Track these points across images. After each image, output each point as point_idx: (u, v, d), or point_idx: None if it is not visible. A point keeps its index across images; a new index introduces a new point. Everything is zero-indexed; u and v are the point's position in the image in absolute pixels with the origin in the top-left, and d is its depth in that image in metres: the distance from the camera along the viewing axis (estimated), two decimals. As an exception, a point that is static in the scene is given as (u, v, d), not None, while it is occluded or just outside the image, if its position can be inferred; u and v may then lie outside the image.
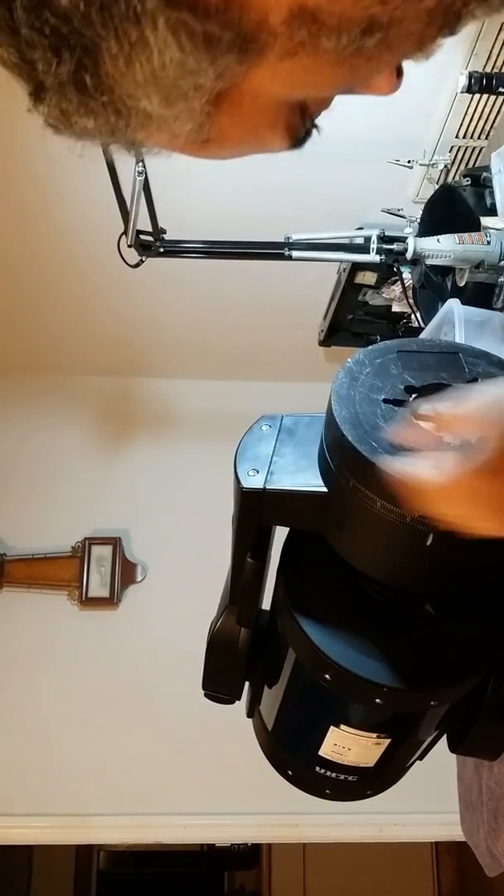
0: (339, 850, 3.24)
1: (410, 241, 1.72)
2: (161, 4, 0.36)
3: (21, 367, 2.80)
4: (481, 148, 2.05)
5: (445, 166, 2.06)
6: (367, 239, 1.84)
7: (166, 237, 1.86)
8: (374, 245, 1.82)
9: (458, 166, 2.09)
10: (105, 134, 0.45)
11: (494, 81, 1.58)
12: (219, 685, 0.76)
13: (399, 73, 0.46)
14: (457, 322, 1.43)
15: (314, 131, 0.49)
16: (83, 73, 0.39)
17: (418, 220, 1.93)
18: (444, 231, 1.69)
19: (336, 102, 0.47)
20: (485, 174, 1.78)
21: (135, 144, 0.47)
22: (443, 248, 1.67)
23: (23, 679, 2.44)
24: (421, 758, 0.80)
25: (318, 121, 0.48)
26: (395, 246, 1.78)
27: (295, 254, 1.84)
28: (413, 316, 2.11)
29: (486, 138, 2.03)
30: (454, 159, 2.07)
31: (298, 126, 0.48)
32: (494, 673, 0.68)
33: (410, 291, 2.02)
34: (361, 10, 0.39)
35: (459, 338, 1.41)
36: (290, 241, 1.84)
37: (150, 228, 1.84)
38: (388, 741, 0.69)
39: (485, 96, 1.89)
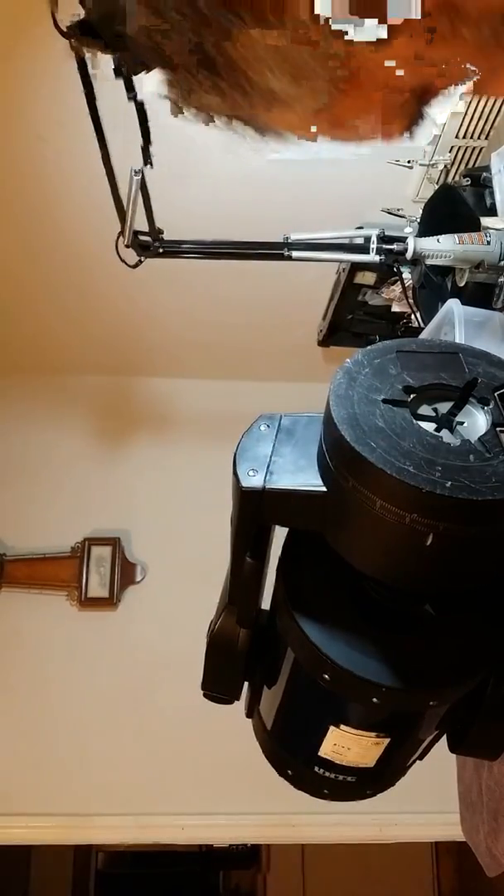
0: (339, 850, 3.24)
1: (410, 241, 1.72)
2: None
3: (21, 367, 2.79)
4: (481, 148, 2.04)
5: (445, 166, 2.06)
6: (367, 239, 1.83)
7: (165, 237, 1.86)
8: (373, 245, 1.81)
9: (458, 166, 2.08)
10: (227, 111, 0.44)
11: (494, 81, 1.58)
12: (218, 685, 0.76)
13: None
14: (457, 322, 1.43)
15: (429, 118, 0.47)
16: (213, 51, 0.39)
17: (418, 220, 1.93)
18: (444, 231, 1.69)
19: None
20: (485, 174, 1.77)
21: (262, 127, 0.47)
22: (443, 248, 1.66)
23: (22, 679, 2.43)
24: (421, 758, 0.80)
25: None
26: (394, 246, 1.78)
27: (294, 254, 1.83)
28: (413, 316, 2.11)
29: (486, 138, 2.02)
30: (454, 159, 2.07)
31: (416, 113, 0.46)
32: (494, 673, 0.67)
33: (410, 291, 2.02)
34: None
35: (459, 338, 1.41)
36: (290, 241, 1.84)
37: (148, 228, 1.84)
38: (387, 741, 0.69)
39: (485, 96, 1.89)
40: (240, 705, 0.82)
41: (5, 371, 2.77)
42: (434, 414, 0.58)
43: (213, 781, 2.30)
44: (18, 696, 2.41)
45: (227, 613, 0.70)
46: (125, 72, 1.27)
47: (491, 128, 2.00)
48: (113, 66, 1.28)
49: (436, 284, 1.86)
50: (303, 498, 0.58)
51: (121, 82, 1.36)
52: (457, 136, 2.02)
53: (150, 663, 2.43)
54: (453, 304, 1.47)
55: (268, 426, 0.64)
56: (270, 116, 0.38)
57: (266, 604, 0.74)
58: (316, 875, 3.71)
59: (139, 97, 1.35)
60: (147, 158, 1.56)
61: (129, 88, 1.37)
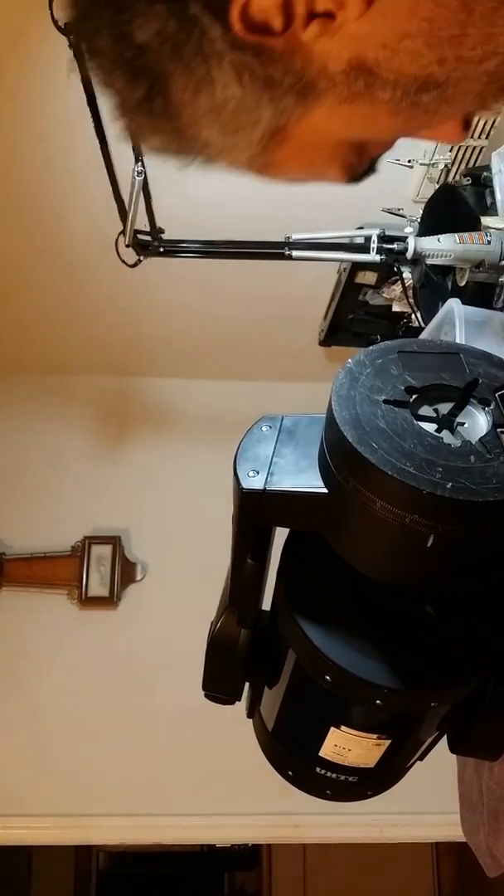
0: (340, 850, 3.24)
1: (411, 241, 1.72)
2: (228, 47, 0.39)
3: (21, 366, 2.80)
4: (482, 147, 2.05)
5: (446, 166, 2.06)
6: (368, 238, 1.84)
7: (165, 237, 1.86)
8: (374, 245, 1.82)
9: (459, 166, 2.09)
10: (171, 152, 0.49)
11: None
12: (219, 686, 0.76)
13: (466, 124, 0.48)
14: (457, 322, 1.43)
15: (372, 170, 0.52)
16: (154, 98, 0.43)
17: (418, 220, 1.93)
18: (444, 231, 1.69)
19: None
20: (485, 174, 1.77)
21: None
22: (443, 247, 1.67)
23: (22, 679, 2.43)
24: (421, 758, 0.80)
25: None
26: (395, 245, 1.78)
27: (295, 253, 1.84)
28: (413, 316, 2.11)
29: (487, 138, 2.02)
30: (454, 159, 2.07)
31: (355, 164, 0.51)
32: (495, 673, 0.67)
33: (411, 291, 2.02)
34: (419, 69, 0.41)
35: (460, 338, 1.41)
36: (291, 240, 1.84)
37: (148, 228, 1.84)
38: (388, 742, 0.69)
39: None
40: (241, 705, 0.82)
41: (5, 371, 2.77)
42: (435, 415, 0.58)
43: (213, 781, 2.31)
44: (19, 695, 2.41)
45: (228, 614, 0.70)
46: None
47: (491, 127, 2.01)
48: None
49: (436, 284, 1.86)
50: (304, 499, 0.58)
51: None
52: (457, 136, 2.02)
53: (150, 663, 2.43)
54: (454, 304, 1.47)
55: (269, 427, 0.63)
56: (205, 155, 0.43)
57: (267, 604, 0.74)
58: (317, 875, 3.72)
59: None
60: (138, 155, 1.56)
61: None
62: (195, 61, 0.40)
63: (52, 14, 1.20)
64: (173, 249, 1.88)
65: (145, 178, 1.64)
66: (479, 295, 1.68)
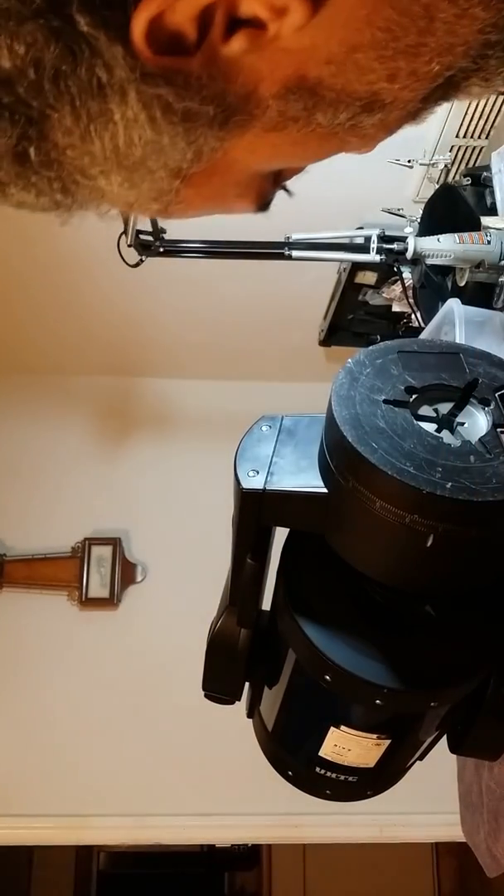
0: (340, 850, 3.24)
1: (410, 241, 1.72)
2: (132, 75, 0.31)
3: (21, 366, 2.80)
4: (481, 147, 2.05)
5: (446, 166, 2.06)
6: (368, 238, 1.84)
7: (166, 237, 1.86)
8: (374, 245, 1.82)
9: (459, 166, 2.09)
10: (46, 208, 0.39)
11: (494, 81, 1.58)
12: (219, 686, 0.76)
13: None
14: (457, 322, 1.43)
15: (282, 191, 0.46)
16: (26, 145, 0.33)
17: (418, 220, 1.93)
18: (444, 231, 1.69)
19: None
20: (485, 174, 1.77)
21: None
22: (443, 247, 1.67)
23: (22, 680, 2.43)
24: (421, 758, 0.80)
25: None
26: (395, 245, 1.78)
27: (295, 253, 1.84)
28: (413, 316, 2.11)
29: (487, 138, 2.02)
30: (454, 159, 2.07)
31: (268, 193, 0.45)
32: (495, 673, 0.67)
33: (410, 291, 2.02)
34: (366, 85, 0.34)
35: (460, 338, 1.41)
36: (290, 240, 1.84)
37: (149, 228, 1.84)
38: (388, 742, 0.69)
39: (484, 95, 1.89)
40: (240, 705, 0.82)
41: (5, 371, 2.78)
42: (435, 415, 0.58)
43: (213, 782, 2.31)
44: (19, 696, 2.41)
45: (228, 614, 0.70)
46: None
47: (491, 127, 2.01)
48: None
49: (436, 284, 1.86)
50: (304, 499, 0.58)
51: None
52: (457, 136, 2.02)
53: (150, 663, 2.43)
54: (454, 304, 1.47)
55: (269, 427, 0.64)
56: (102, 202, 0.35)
57: (267, 604, 0.74)
58: (317, 875, 3.71)
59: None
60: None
61: None
62: (86, 95, 0.31)
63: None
64: (174, 249, 1.88)
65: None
66: (479, 295, 1.68)
